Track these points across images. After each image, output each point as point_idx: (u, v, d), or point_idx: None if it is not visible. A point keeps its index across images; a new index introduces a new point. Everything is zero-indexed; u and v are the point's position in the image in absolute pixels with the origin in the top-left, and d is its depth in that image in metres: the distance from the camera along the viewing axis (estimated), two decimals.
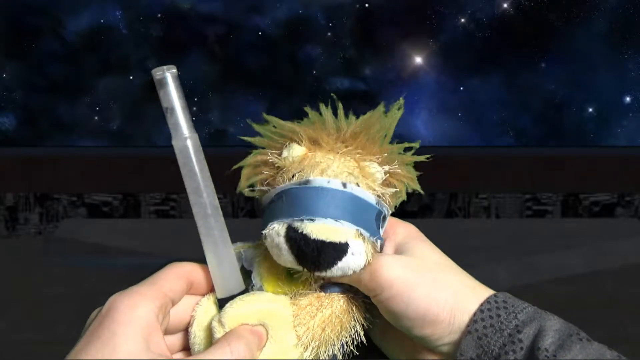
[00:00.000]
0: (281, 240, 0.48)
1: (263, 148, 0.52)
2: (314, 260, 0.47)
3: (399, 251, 0.52)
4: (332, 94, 0.52)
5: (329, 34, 3.39)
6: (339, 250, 0.47)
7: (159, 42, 3.34)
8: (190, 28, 3.34)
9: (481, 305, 0.49)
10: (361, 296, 0.51)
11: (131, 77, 3.23)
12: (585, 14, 3.32)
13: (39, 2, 3.28)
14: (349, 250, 0.48)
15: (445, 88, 3.40)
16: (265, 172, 0.51)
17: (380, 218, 0.50)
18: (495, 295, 0.50)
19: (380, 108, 0.52)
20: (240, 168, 0.53)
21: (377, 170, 0.50)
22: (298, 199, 0.48)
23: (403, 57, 3.37)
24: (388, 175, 0.51)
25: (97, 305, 0.47)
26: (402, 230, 0.53)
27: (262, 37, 3.37)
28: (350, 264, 0.48)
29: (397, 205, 0.53)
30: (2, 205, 3.19)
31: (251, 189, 0.52)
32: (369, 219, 0.50)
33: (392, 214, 0.54)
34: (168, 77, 0.47)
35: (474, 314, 0.48)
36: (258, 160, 0.52)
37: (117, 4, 3.31)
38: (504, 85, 3.41)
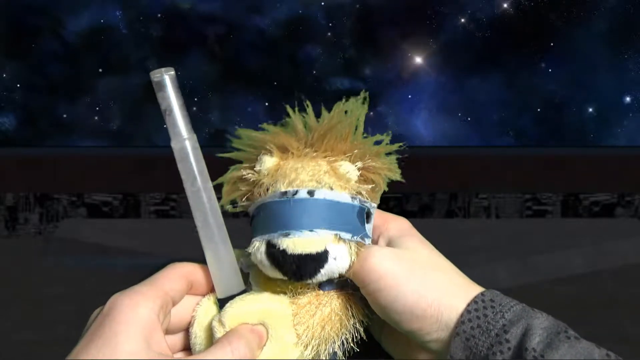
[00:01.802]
0: (263, 257, 0.49)
1: (240, 162, 0.52)
2: (295, 273, 0.48)
3: (390, 245, 0.52)
4: (302, 96, 0.52)
5: (329, 34, 3.39)
6: (318, 260, 0.48)
7: (159, 42, 3.34)
8: (190, 28, 3.34)
9: (468, 305, 0.48)
10: (359, 293, 0.51)
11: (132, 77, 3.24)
12: (585, 14, 3.32)
13: (39, 2, 3.28)
14: (330, 257, 0.48)
15: (445, 88, 3.40)
16: (243, 188, 0.52)
17: (363, 214, 0.50)
18: (482, 294, 0.49)
19: (343, 103, 0.52)
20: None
21: (348, 171, 0.50)
22: (272, 214, 0.49)
23: (403, 57, 3.37)
24: (363, 170, 0.51)
25: (97, 305, 0.47)
26: (394, 225, 0.53)
27: (262, 37, 3.37)
28: (333, 268, 0.49)
29: (386, 193, 0.53)
30: (2, 205, 3.20)
31: (234, 205, 0.53)
32: (349, 219, 0.50)
33: (389, 211, 0.54)
34: (166, 78, 0.47)
35: (461, 315, 0.48)
36: (234, 176, 0.52)
37: (117, 4, 3.31)
38: (504, 85, 3.41)
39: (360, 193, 0.51)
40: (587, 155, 3.29)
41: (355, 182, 0.51)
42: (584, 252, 2.79)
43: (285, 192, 0.49)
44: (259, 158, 0.51)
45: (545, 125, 3.45)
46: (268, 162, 0.51)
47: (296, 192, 0.49)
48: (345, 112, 0.51)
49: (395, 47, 3.36)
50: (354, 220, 0.50)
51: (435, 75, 3.38)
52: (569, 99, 3.39)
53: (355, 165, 0.51)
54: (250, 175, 0.51)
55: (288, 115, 0.51)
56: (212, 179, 0.49)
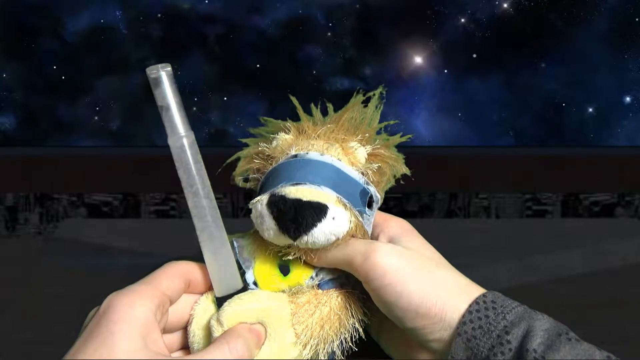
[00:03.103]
0: (263, 207, 0.49)
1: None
2: (293, 219, 0.48)
3: (392, 244, 0.52)
4: (324, 99, 0.53)
5: (329, 34, 3.39)
6: (318, 209, 0.48)
7: (159, 42, 3.34)
8: (190, 28, 3.34)
9: (470, 306, 0.49)
10: (358, 292, 0.51)
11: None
12: (585, 14, 3.32)
13: (39, 2, 3.28)
14: (329, 214, 0.48)
15: (445, 88, 3.41)
16: (257, 161, 0.52)
17: (366, 197, 0.51)
18: (484, 295, 0.49)
19: (360, 94, 0.53)
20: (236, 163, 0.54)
21: (358, 150, 0.51)
22: (281, 172, 0.50)
23: (403, 57, 3.37)
24: (371, 156, 0.51)
25: (97, 305, 0.47)
26: (394, 225, 0.54)
27: (262, 37, 3.37)
28: (331, 228, 0.49)
29: (387, 193, 0.54)
30: (2, 205, 3.20)
31: (245, 177, 0.53)
32: (352, 192, 0.50)
33: (389, 211, 0.54)
34: (163, 75, 0.46)
35: (463, 315, 0.48)
36: (251, 152, 0.54)
37: (117, 4, 3.31)
38: (504, 85, 3.41)
39: (366, 174, 0.51)
40: (587, 155, 3.29)
41: (363, 164, 0.51)
42: (584, 252, 2.79)
43: (296, 155, 0.50)
44: (276, 135, 0.53)
45: (545, 125, 3.45)
46: (284, 137, 0.52)
47: (307, 153, 0.50)
48: (363, 102, 0.54)
49: (395, 47, 3.36)
50: (356, 197, 0.50)
51: (435, 75, 3.38)
52: (569, 99, 3.39)
53: (365, 148, 0.51)
54: (266, 148, 0.52)
55: (292, 115, 0.53)
56: (211, 178, 0.49)
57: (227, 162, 0.53)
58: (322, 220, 0.48)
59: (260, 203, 0.49)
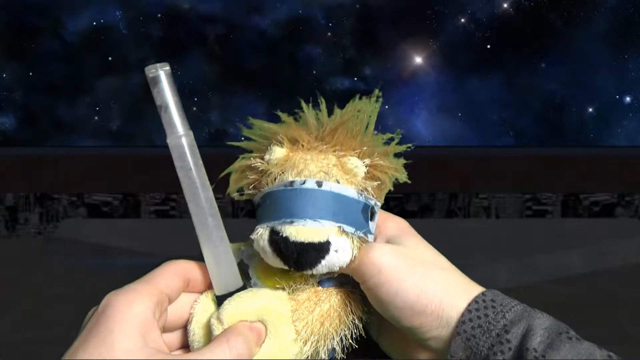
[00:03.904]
0: (265, 244, 0.48)
1: (250, 151, 0.53)
2: (296, 261, 0.48)
3: (390, 243, 0.52)
4: (316, 91, 0.52)
5: (329, 34, 3.39)
6: (320, 249, 0.48)
7: (159, 42, 3.35)
8: (190, 28, 3.34)
9: (469, 304, 0.48)
10: (359, 289, 0.51)
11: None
12: (585, 14, 3.32)
13: (39, 2, 3.28)
14: (332, 248, 0.48)
15: (445, 88, 3.41)
16: (251, 177, 0.52)
17: (367, 211, 0.50)
18: (483, 293, 0.49)
19: (356, 100, 0.52)
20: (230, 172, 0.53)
21: (356, 166, 0.50)
22: (278, 202, 0.49)
23: (403, 57, 3.37)
24: (370, 168, 0.51)
25: (96, 305, 0.47)
26: (393, 225, 0.53)
27: (262, 37, 3.37)
28: (334, 261, 0.49)
29: (387, 194, 0.53)
30: (2, 205, 3.20)
31: (240, 192, 0.53)
32: (353, 214, 0.50)
33: (389, 211, 0.54)
34: (161, 74, 0.46)
35: (462, 314, 0.48)
36: (243, 165, 0.52)
37: (117, 4, 3.31)
38: (504, 85, 3.41)
39: (366, 190, 0.51)
40: (587, 155, 3.29)
41: (362, 178, 0.51)
42: (584, 252, 2.79)
43: (293, 182, 0.49)
44: (269, 148, 0.51)
45: (545, 125, 3.45)
46: (278, 152, 0.51)
47: (304, 182, 0.49)
48: (358, 110, 0.51)
49: (395, 47, 3.36)
50: (358, 216, 0.50)
51: (435, 75, 3.38)
52: (569, 99, 3.39)
53: (363, 162, 0.51)
54: (259, 164, 0.51)
55: (299, 110, 0.52)
56: (211, 178, 0.49)
57: (221, 176, 0.52)
58: (325, 257, 0.48)
59: (262, 239, 0.48)
